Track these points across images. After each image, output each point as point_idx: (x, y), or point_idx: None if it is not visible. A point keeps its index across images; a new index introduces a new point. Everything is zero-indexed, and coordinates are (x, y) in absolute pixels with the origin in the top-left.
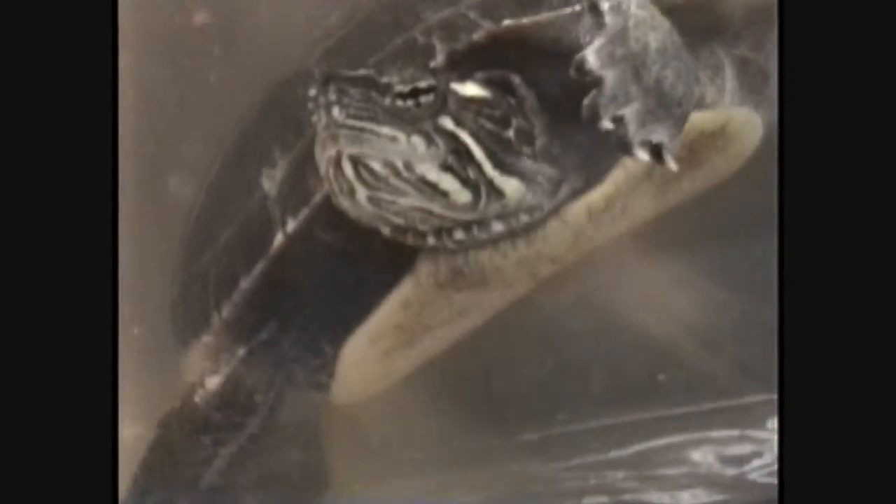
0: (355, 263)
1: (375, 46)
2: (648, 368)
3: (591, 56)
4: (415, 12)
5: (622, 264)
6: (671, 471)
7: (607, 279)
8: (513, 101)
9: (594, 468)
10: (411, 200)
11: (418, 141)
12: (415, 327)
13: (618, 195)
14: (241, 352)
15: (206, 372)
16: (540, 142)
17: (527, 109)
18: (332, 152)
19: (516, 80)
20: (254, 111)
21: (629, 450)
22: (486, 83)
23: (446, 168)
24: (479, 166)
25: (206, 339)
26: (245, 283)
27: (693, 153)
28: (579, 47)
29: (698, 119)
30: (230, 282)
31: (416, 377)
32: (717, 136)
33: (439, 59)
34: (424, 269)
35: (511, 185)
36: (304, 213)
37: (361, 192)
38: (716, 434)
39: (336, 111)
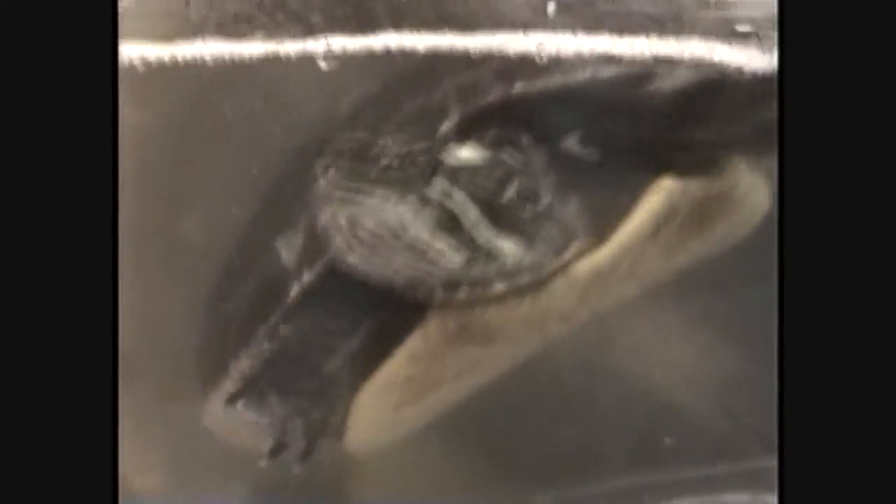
0: (368, 315)
1: (397, 109)
2: (661, 429)
3: None
4: (437, 76)
5: (632, 317)
6: None
7: (618, 334)
8: (518, 159)
9: None
10: (407, 261)
11: (409, 205)
12: (424, 380)
13: (623, 255)
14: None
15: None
16: (545, 201)
17: (533, 168)
18: (328, 214)
19: (525, 138)
20: (272, 176)
21: None
22: (490, 142)
23: (439, 230)
24: (473, 228)
25: (227, 385)
26: (263, 332)
27: (700, 216)
28: (590, 113)
29: (704, 183)
30: (248, 331)
31: (430, 437)
32: (724, 199)
33: (451, 122)
34: (433, 324)
35: (507, 246)
36: (320, 264)
37: (360, 252)
38: (729, 498)
39: (331, 174)
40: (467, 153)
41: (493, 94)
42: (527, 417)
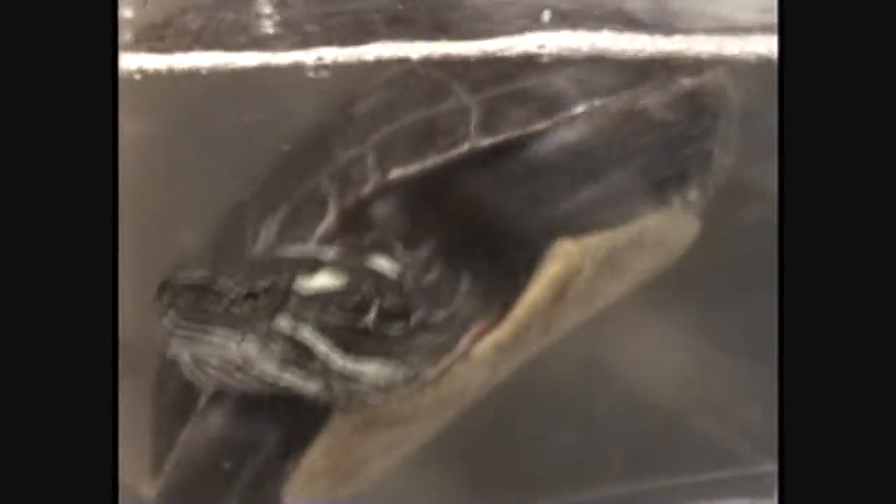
0: (273, 416)
1: (292, 185)
2: (659, 435)
3: None
4: (328, 148)
5: (630, 324)
6: None
7: (615, 340)
8: (391, 269)
9: None
10: (262, 389)
11: (252, 343)
12: (349, 464)
13: (526, 326)
14: None
15: None
16: (418, 315)
17: (404, 282)
18: (173, 351)
19: (398, 245)
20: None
21: None
22: (366, 248)
23: (286, 365)
24: (324, 359)
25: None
26: (183, 436)
27: (612, 265)
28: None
29: (609, 237)
30: (172, 433)
31: (425, 454)
32: (634, 245)
33: (328, 222)
34: (338, 421)
35: (370, 369)
36: None
37: (214, 382)
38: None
39: (170, 315)
40: (321, 281)
41: (371, 182)
42: (522, 424)
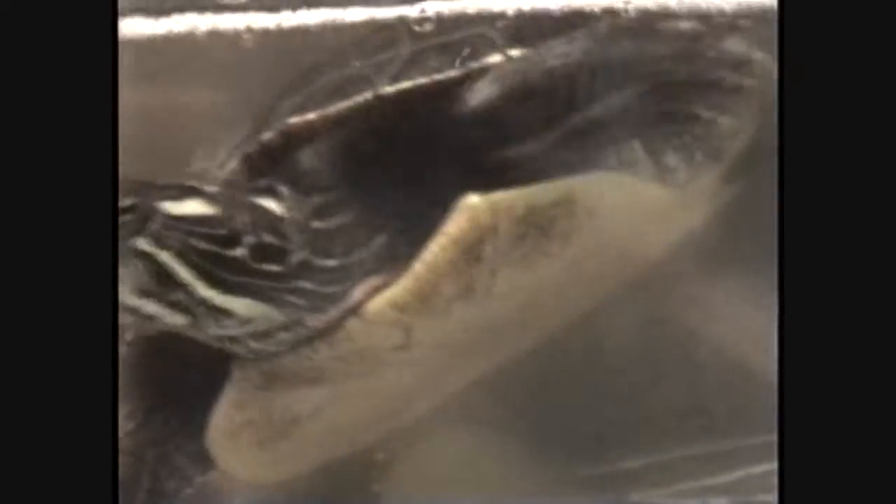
0: (184, 364)
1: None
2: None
3: None
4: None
5: (685, 279)
6: (769, 497)
7: (672, 296)
8: (265, 215)
9: (694, 494)
10: (127, 321)
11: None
12: (270, 421)
13: (429, 287)
14: None
15: None
16: (297, 257)
17: (286, 223)
18: None
19: (285, 190)
20: None
21: (729, 477)
22: (253, 192)
23: (145, 292)
24: (187, 288)
25: None
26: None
27: (540, 227)
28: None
29: (524, 195)
30: None
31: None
32: (562, 206)
33: (230, 166)
34: (238, 375)
35: (240, 305)
36: None
37: None
38: None
39: None
40: (190, 207)
41: (273, 129)
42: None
